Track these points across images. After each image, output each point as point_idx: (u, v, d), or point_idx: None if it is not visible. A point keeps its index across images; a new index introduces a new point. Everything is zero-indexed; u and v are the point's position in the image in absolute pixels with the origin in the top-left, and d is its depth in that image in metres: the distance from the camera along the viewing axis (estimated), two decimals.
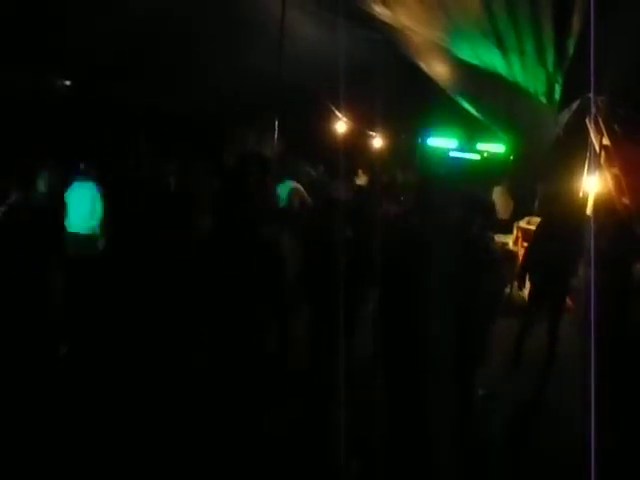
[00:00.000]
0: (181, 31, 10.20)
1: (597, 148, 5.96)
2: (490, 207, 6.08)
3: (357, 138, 14.78)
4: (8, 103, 10.66)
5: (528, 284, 7.91)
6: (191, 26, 10.13)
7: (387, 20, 8.86)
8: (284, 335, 4.94)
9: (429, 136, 17.39)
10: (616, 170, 5.94)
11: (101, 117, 12.53)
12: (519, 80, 7.74)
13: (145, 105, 13.06)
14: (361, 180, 12.46)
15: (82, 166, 8.31)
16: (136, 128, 12.94)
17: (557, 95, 6.73)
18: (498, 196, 11.85)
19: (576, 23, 4.75)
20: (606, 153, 5.99)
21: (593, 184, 6.31)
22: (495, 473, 5.26)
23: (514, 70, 7.32)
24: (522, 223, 11.25)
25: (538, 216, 10.83)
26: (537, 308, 7.58)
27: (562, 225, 7.01)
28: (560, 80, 6.26)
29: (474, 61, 8.37)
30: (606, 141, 5.86)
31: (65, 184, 8.18)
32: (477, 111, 13.01)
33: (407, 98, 13.17)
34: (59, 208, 7.62)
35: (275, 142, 8.50)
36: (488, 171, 14.64)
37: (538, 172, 12.18)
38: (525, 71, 7.05)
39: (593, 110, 5.71)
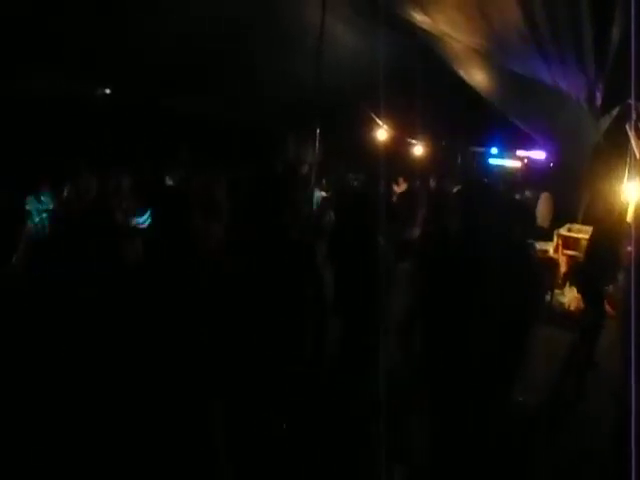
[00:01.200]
0: (225, 38, 10.31)
1: (637, 154, 5.94)
2: (530, 214, 6.07)
3: (398, 145, 14.79)
4: (45, 108, 10.83)
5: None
6: (235, 33, 10.24)
7: (426, 27, 8.88)
8: (320, 341, 4.96)
9: (470, 143, 17.36)
10: None
11: (142, 124, 12.69)
12: (560, 86, 7.73)
13: (187, 111, 13.20)
14: (401, 187, 12.50)
15: None
16: (178, 134, 13.08)
17: (598, 101, 6.70)
18: (542, 203, 11.80)
19: (616, 29, 4.75)
20: None
21: (633, 191, 6.28)
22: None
23: (555, 77, 7.31)
24: (563, 230, 11.16)
25: (583, 224, 10.82)
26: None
27: (613, 235, 7.03)
28: (601, 86, 6.24)
29: (514, 68, 8.37)
30: None
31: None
32: (517, 118, 12.96)
33: (447, 105, 13.16)
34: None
35: (316, 149, 8.54)
36: (529, 178, 14.59)
37: (578, 179, 12.11)
38: (566, 78, 7.04)
39: (634, 116, 5.69)
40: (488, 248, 4.65)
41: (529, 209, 8.51)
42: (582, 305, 8.31)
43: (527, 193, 12.72)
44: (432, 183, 13.46)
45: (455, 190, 9.27)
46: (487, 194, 5.48)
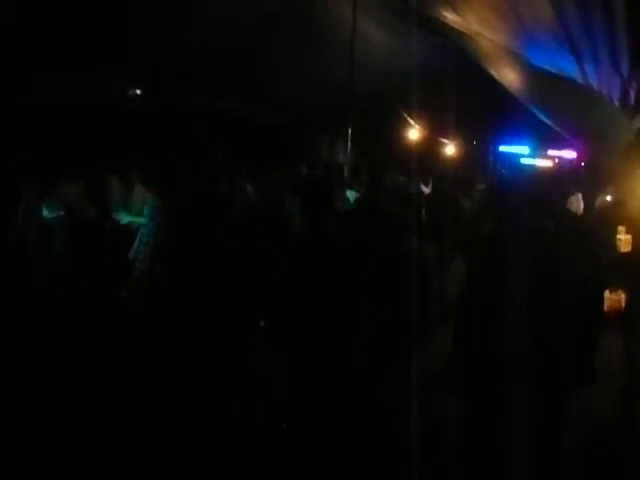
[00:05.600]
0: (258, 41, 10.36)
1: None
2: (567, 214, 6.04)
3: (430, 145, 14.78)
4: (79, 111, 10.93)
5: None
6: (268, 36, 10.29)
7: (457, 27, 8.86)
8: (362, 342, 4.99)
9: (501, 143, 17.31)
10: None
11: (175, 126, 12.75)
12: (593, 86, 7.68)
13: (220, 113, 13.26)
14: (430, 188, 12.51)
15: None
16: (211, 137, 13.14)
17: (631, 101, 6.66)
18: (573, 203, 11.73)
19: None
20: None
21: None
22: None
23: (588, 76, 7.27)
24: None
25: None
26: None
27: None
28: (635, 85, 6.20)
29: (546, 67, 8.32)
30: None
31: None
32: (548, 117, 12.88)
33: (478, 105, 13.13)
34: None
35: (348, 150, 8.59)
36: (560, 178, 14.51)
37: (610, 179, 12.02)
38: (599, 77, 7.00)
39: None
40: (523, 249, 4.65)
41: (565, 209, 8.49)
42: (618, 306, 8.26)
43: (558, 193, 12.65)
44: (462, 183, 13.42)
45: (481, 189, 9.26)
46: (519, 194, 5.48)
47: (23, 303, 6.54)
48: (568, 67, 7.39)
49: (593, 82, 7.56)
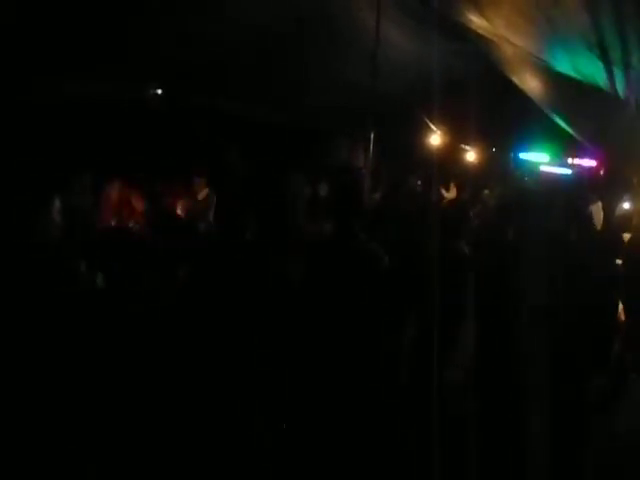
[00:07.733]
0: (276, 42, 10.33)
1: None
2: (588, 217, 6.01)
3: (450, 151, 14.73)
4: (97, 113, 10.91)
5: None
6: (287, 38, 10.26)
7: (482, 32, 8.80)
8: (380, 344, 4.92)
9: (521, 150, 17.26)
10: None
11: (194, 127, 12.74)
12: (619, 92, 7.62)
13: (238, 116, 13.23)
14: (452, 193, 12.46)
15: None
16: (229, 139, 13.11)
17: None
18: (594, 212, 11.67)
19: None
20: None
21: None
22: None
23: (616, 83, 7.20)
24: None
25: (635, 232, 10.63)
26: None
27: None
28: None
29: (571, 73, 8.26)
30: None
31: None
32: (569, 125, 12.81)
33: (499, 112, 13.08)
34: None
35: (370, 154, 8.54)
36: (582, 186, 14.45)
37: (630, 187, 11.96)
38: (628, 83, 6.94)
39: None
40: (545, 254, 4.61)
41: (586, 212, 8.43)
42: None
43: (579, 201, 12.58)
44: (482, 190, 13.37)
45: (500, 196, 9.21)
46: (541, 201, 5.45)
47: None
48: (595, 73, 7.32)
49: (620, 89, 7.49)
